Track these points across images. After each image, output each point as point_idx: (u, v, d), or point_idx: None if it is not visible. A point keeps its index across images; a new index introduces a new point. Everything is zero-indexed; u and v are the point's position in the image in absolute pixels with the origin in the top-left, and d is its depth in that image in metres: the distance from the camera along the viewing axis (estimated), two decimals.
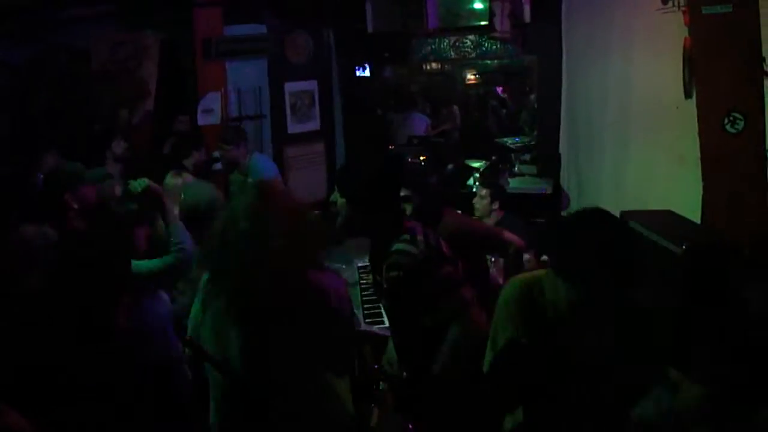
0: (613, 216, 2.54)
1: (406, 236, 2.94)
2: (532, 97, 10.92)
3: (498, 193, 5.73)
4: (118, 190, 5.07)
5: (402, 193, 4.02)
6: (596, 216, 2.48)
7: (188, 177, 5.21)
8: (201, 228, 4.10)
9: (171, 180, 5.08)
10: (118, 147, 6.12)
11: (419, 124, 10.04)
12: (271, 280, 2.54)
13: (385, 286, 2.99)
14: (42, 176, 5.04)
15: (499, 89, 13.97)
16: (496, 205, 5.64)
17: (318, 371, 2.76)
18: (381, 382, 3.37)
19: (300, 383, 2.72)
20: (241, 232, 2.49)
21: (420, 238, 2.94)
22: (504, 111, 12.75)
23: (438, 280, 2.89)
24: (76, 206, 4.37)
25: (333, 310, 2.67)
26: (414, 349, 3.04)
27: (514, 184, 7.76)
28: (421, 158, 8.00)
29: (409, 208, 3.89)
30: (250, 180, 5.74)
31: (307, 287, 2.63)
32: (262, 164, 6.19)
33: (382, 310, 4.39)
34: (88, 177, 4.64)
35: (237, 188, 6.03)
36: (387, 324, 4.18)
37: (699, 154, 3.97)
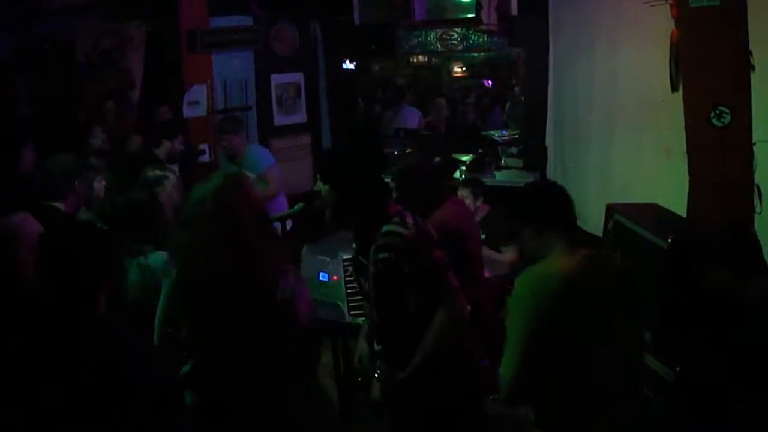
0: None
1: (396, 218, 2.90)
2: (519, 89, 10.90)
3: (479, 188, 5.71)
4: (100, 181, 5.02)
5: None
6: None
7: None
8: None
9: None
10: (96, 138, 5.98)
11: (411, 117, 9.95)
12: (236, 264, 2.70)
13: (372, 268, 2.95)
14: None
15: (487, 82, 13.95)
16: (479, 201, 5.62)
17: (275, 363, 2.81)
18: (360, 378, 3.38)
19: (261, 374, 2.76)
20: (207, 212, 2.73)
21: (409, 220, 2.91)
22: (486, 102, 12.68)
23: (427, 263, 2.86)
24: None
25: (288, 307, 2.78)
26: (397, 333, 3.00)
27: (500, 177, 7.75)
28: (407, 151, 7.99)
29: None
30: (246, 172, 5.56)
31: (268, 279, 2.77)
32: (257, 155, 6.11)
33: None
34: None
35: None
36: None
37: (685, 148, 3.98)
